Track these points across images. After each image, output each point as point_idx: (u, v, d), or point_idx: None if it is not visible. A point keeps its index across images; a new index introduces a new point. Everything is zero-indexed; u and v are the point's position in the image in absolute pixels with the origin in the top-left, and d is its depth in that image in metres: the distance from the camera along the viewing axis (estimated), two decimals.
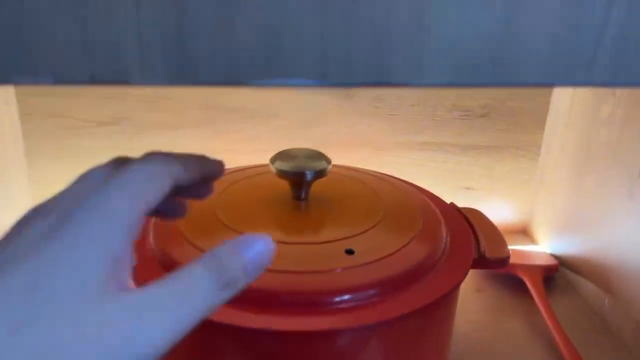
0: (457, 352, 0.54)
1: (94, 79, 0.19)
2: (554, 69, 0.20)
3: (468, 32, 0.19)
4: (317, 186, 0.49)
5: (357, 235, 0.44)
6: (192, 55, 0.20)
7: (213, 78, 0.20)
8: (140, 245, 0.43)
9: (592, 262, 0.62)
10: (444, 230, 0.47)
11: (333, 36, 0.19)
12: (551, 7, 0.19)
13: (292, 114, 0.70)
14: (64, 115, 0.67)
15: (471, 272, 0.44)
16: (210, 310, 0.21)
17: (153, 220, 0.46)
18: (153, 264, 0.41)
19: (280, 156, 0.48)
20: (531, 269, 0.63)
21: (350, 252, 0.41)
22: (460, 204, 0.55)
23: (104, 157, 0.25)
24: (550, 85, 0.22)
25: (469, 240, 0.47)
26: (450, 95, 0.70)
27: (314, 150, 0.50)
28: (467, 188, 0.75)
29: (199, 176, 0.26)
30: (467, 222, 0.51)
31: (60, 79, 0.20)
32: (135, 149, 0.26)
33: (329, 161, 0.48)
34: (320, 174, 0.47)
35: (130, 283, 0.20)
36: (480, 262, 0.46)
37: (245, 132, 0.70)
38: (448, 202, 0.56)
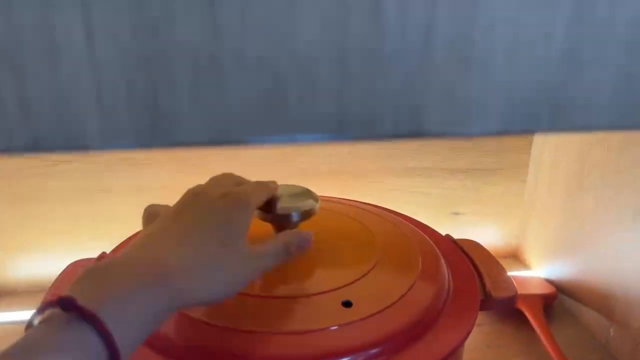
0: None
1: (38, 146, 0.15)
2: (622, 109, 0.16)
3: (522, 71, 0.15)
4: (304, 226, 0.44)
5: (353, 282, 0.39)
6: (167, 110, 0.15)
7: (194, 137, 0.15)
8: None
9: (593, 288, 0.58)
10: (445, 270, 0.43)
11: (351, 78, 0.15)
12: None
13: None
14: None
15: None
16: (277, 263, 0.36)
17: None
18: None
19: None
20: (530, 298, 0.60)
21: (347, 304, 0.37)
22: (449, 229, 0.51)
23: None
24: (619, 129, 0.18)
25: (473, 281, 0.43)
26: None
27: (299, 186, 0.45)
28: (455, 213, 0.71)
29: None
30: (466, 256, 0.48)
31: None
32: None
33: (316, 199, 0.43)
34: (307, 214, 0.42)
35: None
36: (487, 303, 0.42)
37: (219, 163, 0.65)
38: (436, 228, 0.52)
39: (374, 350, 0.34)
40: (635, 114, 0.16)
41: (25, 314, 0.56)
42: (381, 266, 0.41)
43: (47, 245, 0.64)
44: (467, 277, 0.44)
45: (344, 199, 0.57)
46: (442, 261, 0.44)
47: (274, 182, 0.42)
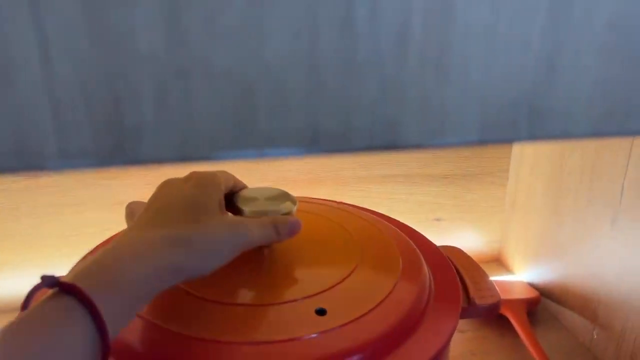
0: None
1: None
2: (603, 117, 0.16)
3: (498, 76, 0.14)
4: None
5: (329, 288, 0.38)
6: (130, 126, 0.14)
7: (159, 154, 0.15)
8: None
9: (576, 291, 0.59)
10: (427, 275, 0.42)
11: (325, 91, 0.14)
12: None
13: None
14: None
15: None
16: (265, 240, 0.37)
17: None
18: None
19: (238, 198, 0.41)
20: (514, 303, 0.59)
21: (321, 312, 0.36)
22: (431, 236, 0.51)
23: None
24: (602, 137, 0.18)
25: (455, 286, 0.43)
26: None
27: (277, 189, 0.44)
28: (437, 219, 0.71)
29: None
30: (450, 262, 0.47)
31: None
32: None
33: (294, 201, 0.42)
34: None
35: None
36: (471, 310, 0.42)
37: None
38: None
39: None
40: (612, 121, 0.15)
41: None
42: (360, 271, 0.40)
43: (16, 263, 0.62)
44: (449, 282, 0.43)
45: (323, 199, 0.56)
46: (424, 265, 0.43)
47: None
